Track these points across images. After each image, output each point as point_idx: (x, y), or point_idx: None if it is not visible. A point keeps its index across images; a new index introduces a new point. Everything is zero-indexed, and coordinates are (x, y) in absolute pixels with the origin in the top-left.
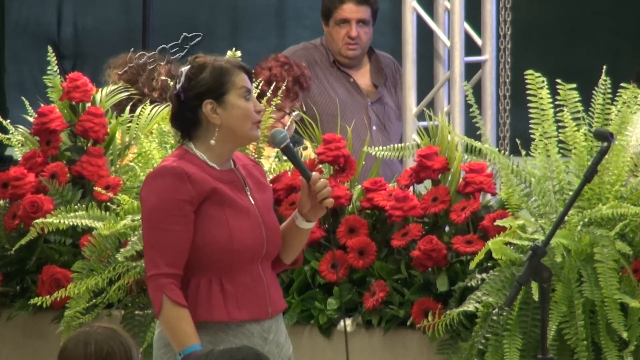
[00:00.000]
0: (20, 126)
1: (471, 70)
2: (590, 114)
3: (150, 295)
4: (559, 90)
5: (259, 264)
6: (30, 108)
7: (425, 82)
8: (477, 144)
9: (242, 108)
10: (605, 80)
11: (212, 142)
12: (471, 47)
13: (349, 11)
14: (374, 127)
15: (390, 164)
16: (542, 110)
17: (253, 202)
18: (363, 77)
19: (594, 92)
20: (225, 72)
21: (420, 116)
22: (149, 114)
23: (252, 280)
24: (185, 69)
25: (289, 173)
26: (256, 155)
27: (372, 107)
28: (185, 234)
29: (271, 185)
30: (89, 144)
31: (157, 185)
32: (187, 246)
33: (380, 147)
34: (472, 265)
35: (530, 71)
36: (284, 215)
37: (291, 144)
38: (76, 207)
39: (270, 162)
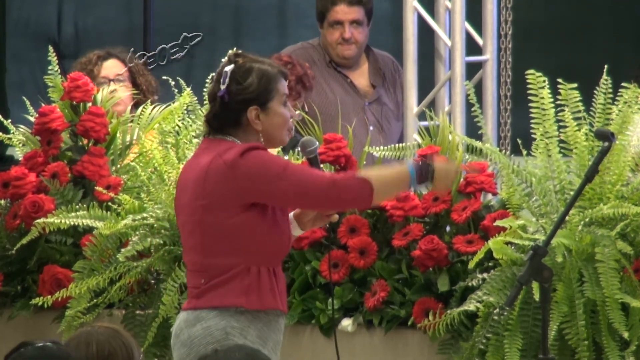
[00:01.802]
0: (21, 126)
1: (472, 70)
2: (591, 113)
3: (352, 192)
4: (560, 90)
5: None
6: (31, 108)
7: (426, 81)
8: (478, 144)
9: (282, 115)
10: (606, 80)
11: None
12: (472, 47)
13: (341, 13)
14: (372, 128)
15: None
16: (543, 110)
17: None
18: (360, 77)
19: (595, 91)
20: (271, 79)
21: (421, 116)
22: (149, 114)
23: (282, 276)
24: (229, 68)
25: None
26: None
27: (369, 107)
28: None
29: None
30: (90, 144)
31: (256, 151)
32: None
33: (381, 147)
34: (471, 264)
35: (531, 71)
36: None
37: (318, 155)
38: (77, 207)
39: None
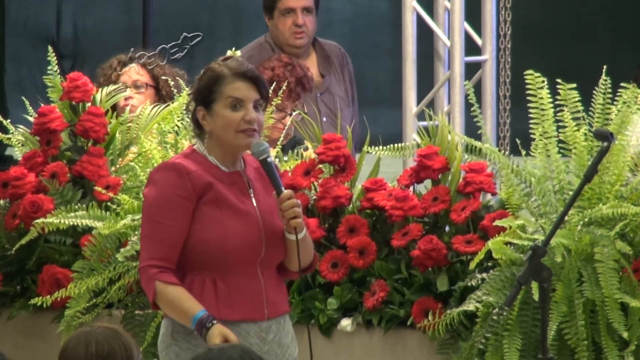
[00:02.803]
0: (21, 126)
1: (471, 70)
2: (590, 113)
3: (143, 287)
4: (559, 90)
5: (258, 267)
6: (31, 108)
7: (426, 81)
8: (477, 144)
9: (225, 118)
10: (605, 80)
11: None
12: (471, 47)
13: (293, 0)
14: (325, 119)
15: None
16: (542, 110)
17: (256, 205)
18: (311, 67)
19: (594, 91)
20: (218, 80)
21: (421, 116)
22: (149, 114)
23: (249, 282)
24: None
25: (289, 173)
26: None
27: (321, 97)
28: (180, 230)
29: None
30: (89, 144)
31: (158, 179)
32: (181, 241)
33: (381, 147)
34: (472, 265)
35: (530, 71)
36: None
37: (269, 159)
38: (76, 207)
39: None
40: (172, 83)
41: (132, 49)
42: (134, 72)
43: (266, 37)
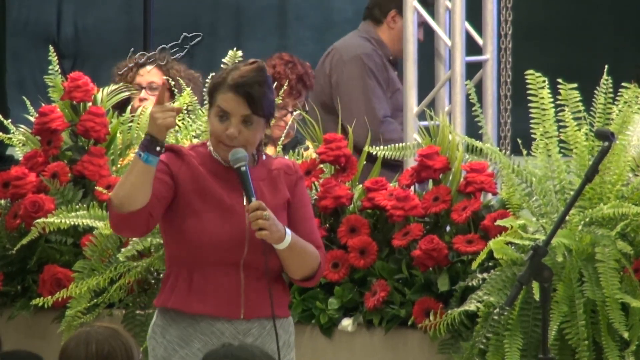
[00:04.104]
0: (22, 126)
1: (472, 69)
2: (591, 113)
3: (109, 222)
4: (560, 90)
5: (241, 267)
6: (32, 107)
7: (426, 81)
8: (478, 144)
9: (212, 125)
10: (606, 80)
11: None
12: (472, 47)
13: None
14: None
15: None
16: (543, 109)
17: (246, 203)
18: None
19: (595, 91)
20: (217, 86)
21: (421, 116)
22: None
23: (226, 280)
24: None
25: None
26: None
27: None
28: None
29: None
30: (90, 144)
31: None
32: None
33: (381, 147)
34: (474, 265)
35: (531, 71)
36: None
37: (244, 168)
38: (77, 206)
39: None
40: (185, 84)
41: (132, 49)
42: (150, 74)
43: (372, 37)
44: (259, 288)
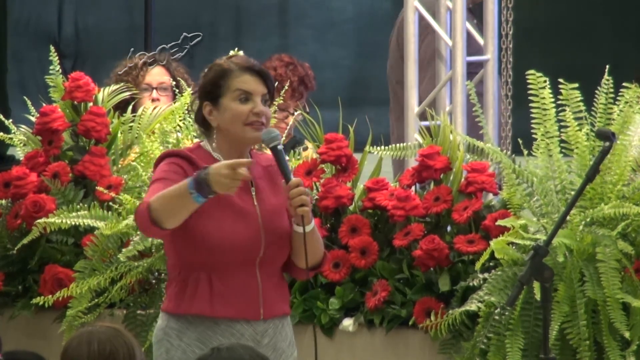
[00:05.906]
0: (23, 126)
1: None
2: (592, 113)
3: (137, 220)
4: (561, 90)
5: (257, 267)
6: (33, 107)
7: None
8: (479, 144)
9: (233, 110)
10: (607, 80)
11: (214, 144)
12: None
13: None
14: None
15: None
16: (544, 110)
17: (257, 203)
18: None
19: (596, 91)
20: (224, 74)
21: (422, 116)
22: (150, 114)
23: (245, 281)
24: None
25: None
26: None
27: None
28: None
29: None
30: (91, 144)
31: (164, 160)
32: None
33: (382, 147)
34: (477, 266)
35: (532, 71)
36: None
37: (280, 147)
38: (78, 206)
39: None
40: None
41: (132, 49)
42: (159, 74)
43: None
44: (274, 286)
